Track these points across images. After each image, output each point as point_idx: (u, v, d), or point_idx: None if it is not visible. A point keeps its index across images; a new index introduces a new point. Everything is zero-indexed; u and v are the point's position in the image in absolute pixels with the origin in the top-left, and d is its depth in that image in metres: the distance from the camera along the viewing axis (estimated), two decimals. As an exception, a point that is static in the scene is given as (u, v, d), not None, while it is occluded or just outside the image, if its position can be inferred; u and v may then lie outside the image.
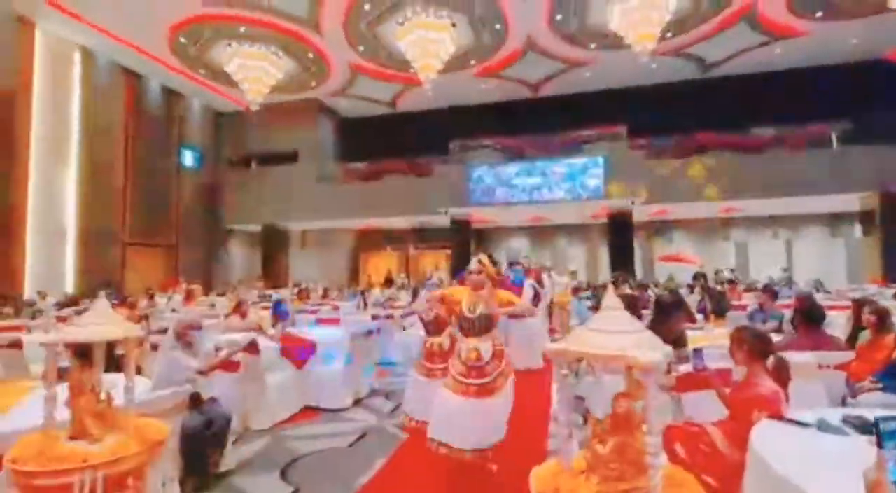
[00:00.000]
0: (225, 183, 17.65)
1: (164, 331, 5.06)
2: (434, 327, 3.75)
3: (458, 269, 10.12)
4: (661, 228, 16.94)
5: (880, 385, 2.88)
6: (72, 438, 1.34)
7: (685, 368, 2.53)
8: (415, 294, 9.64)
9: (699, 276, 13.43)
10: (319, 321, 6.07)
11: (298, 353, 4.30)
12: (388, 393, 4.93)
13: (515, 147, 14.87)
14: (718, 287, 8.63)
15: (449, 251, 16.01)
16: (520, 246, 17.30)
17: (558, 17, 12.17)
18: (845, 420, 1.88)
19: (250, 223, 17.55)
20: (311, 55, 13.87)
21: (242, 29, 12.40)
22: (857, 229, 14.87)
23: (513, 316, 5.45)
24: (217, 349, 3.22)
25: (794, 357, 2.57)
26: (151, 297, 9.58)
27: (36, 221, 11.83)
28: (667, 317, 3.28)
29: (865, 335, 3.42)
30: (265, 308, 6.81)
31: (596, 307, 6.31)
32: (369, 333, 4.99)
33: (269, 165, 17.61)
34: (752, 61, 14.34)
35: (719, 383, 2.32)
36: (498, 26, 12.58)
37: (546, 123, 15.10)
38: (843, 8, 11.69)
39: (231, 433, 3.00)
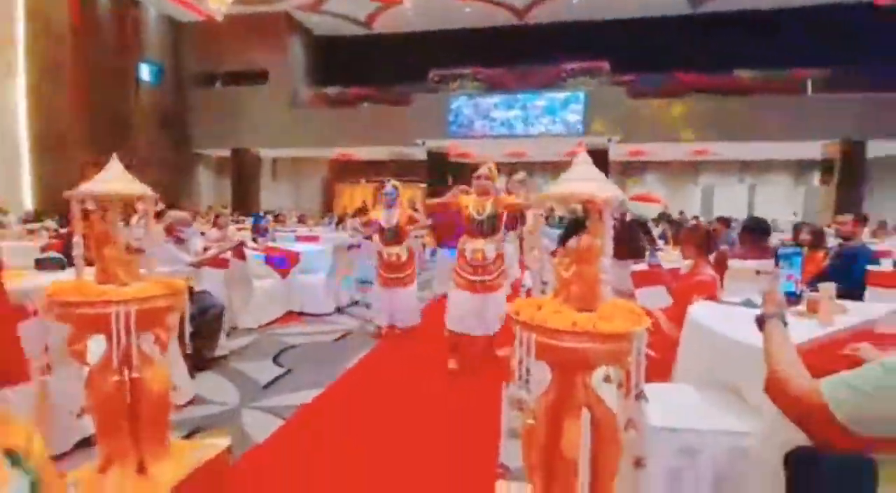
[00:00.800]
0: (189, 102, 16.63)
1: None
2: (393, 236, 3.97)
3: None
4: (635, 168, 17.32)
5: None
6: (100, 283, 1.49)
7: (640, 266, 2.84)
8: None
9: (662, 216, 14.13)
10: (299, 239, 6.19)
11: (282, 262, 4.47)
12: (368, 304, 5.23)
13: (496, 78, 14.50)
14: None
15: (425, 186, 16.00)
16: (497, 182, 17.41)
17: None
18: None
19: (218, 147, 16.84)
20: (280, -40, 12.73)
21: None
22: (816, 177, 15.62)
23: None
24: (206, 249, 3.35)
25: (734, 264, 2.93)
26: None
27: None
28: (629, 234, 3.60)
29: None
30: (241, 229, 6.87)
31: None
32: (350, 247, 5.19)
33: (237, 84, 16.58)
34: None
35: (669, 278, 2.65)
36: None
37: (529, 53, 14.63)
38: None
39: (223, 324, 3.22)
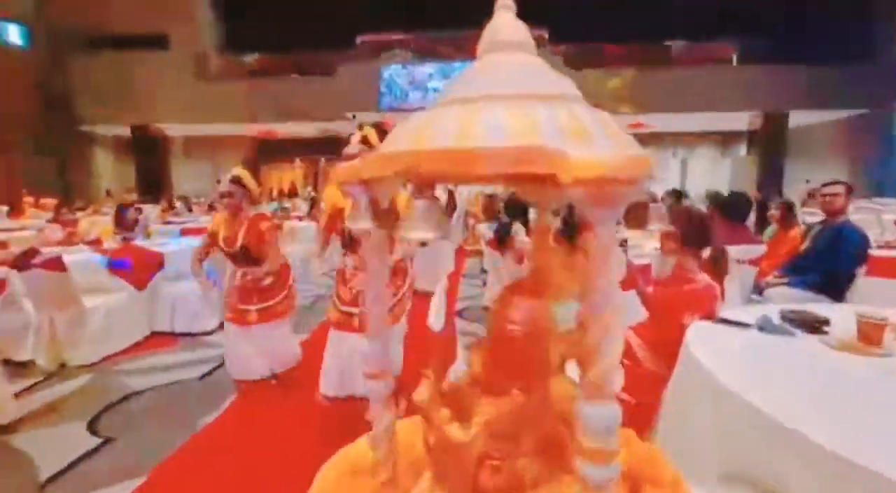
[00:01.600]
0: (73, 72, 14.07)
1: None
2: (244, 257, 2.61)
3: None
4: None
5: (785, 279, 2.76)
6: None
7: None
8: (313, 204, 8.76)
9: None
10: (185, 232, 5.00)
11: (137, 269, 3.35)
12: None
13: (430, 46, 13.42)
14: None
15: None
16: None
17: None
18: (784, 318, 1.56)
19: (113, 124, 14.51)
20: None
21: None
22: (743, 149, 16.12)
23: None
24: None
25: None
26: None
27: None
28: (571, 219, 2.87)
29: (771, 231, 3.31)
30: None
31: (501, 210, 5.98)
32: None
33: (130, 50, 14.20)
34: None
35: (638, 279, 1.91)
36: None
37: (464, 19, 13.61)
38: None
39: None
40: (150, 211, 8.01)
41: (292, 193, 15.04)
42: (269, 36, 14.70)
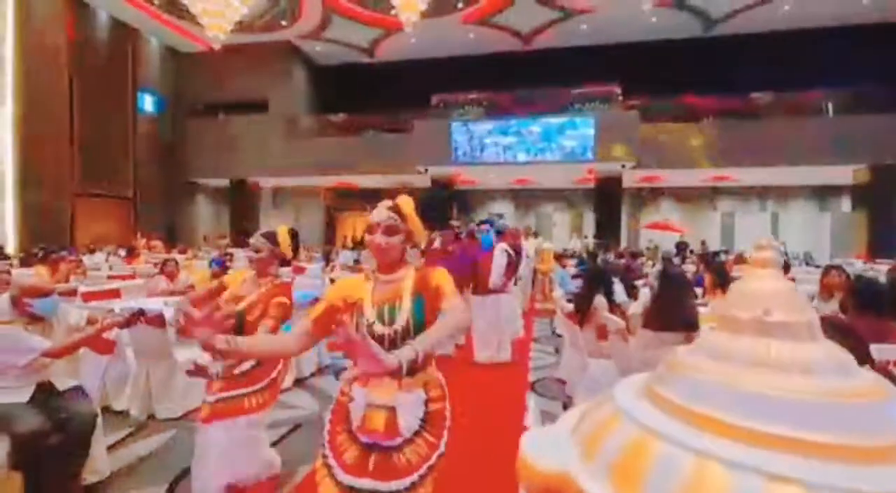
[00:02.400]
0: (188, 132, 16.25)
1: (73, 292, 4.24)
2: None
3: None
4: (649, 195, 16.37)
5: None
6: None
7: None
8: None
9: (682, 245, 13.09)
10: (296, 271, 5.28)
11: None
12: (338, 370, 4.25)
13: (502, 104, 13.88)
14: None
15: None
16: (503, 211, 16.56)
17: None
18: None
19: (216, 177, 16.34)
20: (278, -13, 12.44)
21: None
22: (845, 203, 14.55)
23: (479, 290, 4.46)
24: (90, 322, 2.42)
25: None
26: (92, 252, 8.63)
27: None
28: (679, 292, 2.60)
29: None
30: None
31: (579, 276, 5.63)
32: (316, 300, 4.21)
33: (236, 113, 16.18)
34: (757, 20, 13.40)
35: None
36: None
37: (536, 79, 14.05)
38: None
39: (94, 432, 2.25)
40: (242, 256, 8.71)
41: (363, 242, 15.67)
42: (353, 99, 16.07)
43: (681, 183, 15.28)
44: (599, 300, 3.34)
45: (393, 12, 11.32)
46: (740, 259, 11.17)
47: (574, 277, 5.98)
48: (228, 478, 1.96)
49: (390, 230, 1.40)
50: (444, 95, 14.08)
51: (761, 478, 0.23)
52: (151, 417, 3.11)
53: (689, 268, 6.46)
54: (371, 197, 18.12)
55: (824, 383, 0.27)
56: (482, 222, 4.70)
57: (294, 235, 2.21)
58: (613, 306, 3.49)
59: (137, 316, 2.47)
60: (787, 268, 4.25)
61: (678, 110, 12.99)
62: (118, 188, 14.33)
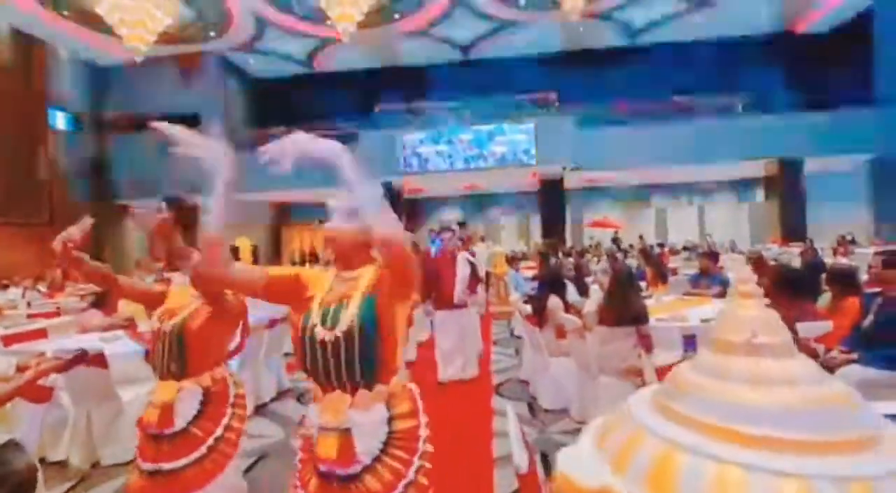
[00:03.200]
0: (114, 150, 15.08)
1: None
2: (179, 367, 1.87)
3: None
4: (589, 195, 17.21)
5: (854, 356, 2.60)
6: None
7: (666, 356, 2.01)
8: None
9: (616, 240, 13.95)
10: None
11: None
12: (301, 393, 4.11)
13: (447, 113, 14.11)
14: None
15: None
16: (452, 218, 16.76)
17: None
18: None
19: (146, 197, 15.24)
20: (205, -2, 11.93)
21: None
22: (759, 194, 16.04)
23: (442, 305, 4.19)
24: (20, 369, 2.19)
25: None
26: (5, 287, 7.77)
27: None
28: (627, 289, 2.78)
29: (825, 299, 3.17)
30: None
31: (534, 278, 5.77)
32: (272, 322, 4.04)
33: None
34: (675, 30, 14.60)
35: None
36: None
37: (477, 87, 14.45)
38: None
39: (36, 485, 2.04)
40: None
41: (312, 257, 15.26)
42: (293, 111, 15.65)
43: (617, 183, 16.21)
44: (554, 301, 3.49)
45: (329, 23, 11.19)
46: (674, 251, 12.04)
47: (533, 278, 6.15)
48: None
49: (345, 215, 1.25)
50: (388, 105, 14.10)
51: (772, 476, 0.29)
52: (95, 465, 2.86)
53: (632, 263, 6.87)
54: (319, 211, 17.71)
55: (807, 392, 0.34)
56: (441, 230, 4.56)
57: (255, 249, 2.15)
58: (568, 306, 3.65)
59: (81, 357, 2.26)
60: (715, 257, 4.62)
61: (611, 114, 13.81)
62: (32, 215, 13.03)
